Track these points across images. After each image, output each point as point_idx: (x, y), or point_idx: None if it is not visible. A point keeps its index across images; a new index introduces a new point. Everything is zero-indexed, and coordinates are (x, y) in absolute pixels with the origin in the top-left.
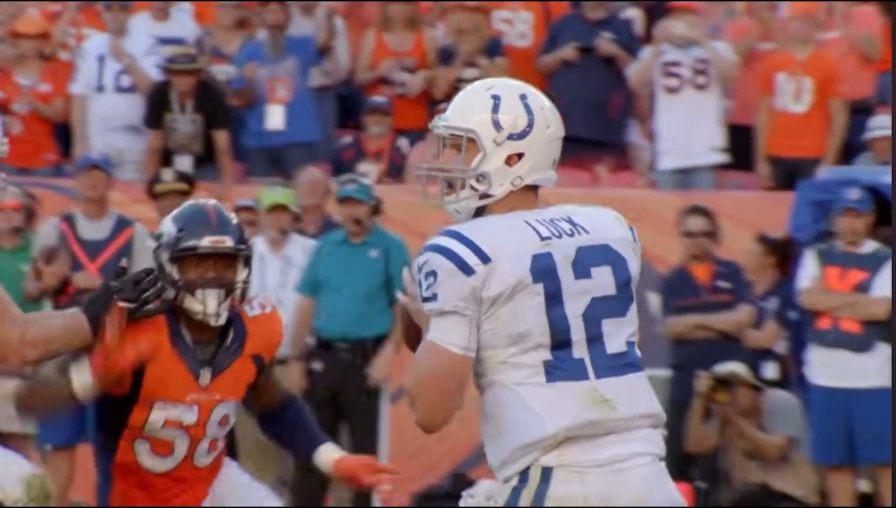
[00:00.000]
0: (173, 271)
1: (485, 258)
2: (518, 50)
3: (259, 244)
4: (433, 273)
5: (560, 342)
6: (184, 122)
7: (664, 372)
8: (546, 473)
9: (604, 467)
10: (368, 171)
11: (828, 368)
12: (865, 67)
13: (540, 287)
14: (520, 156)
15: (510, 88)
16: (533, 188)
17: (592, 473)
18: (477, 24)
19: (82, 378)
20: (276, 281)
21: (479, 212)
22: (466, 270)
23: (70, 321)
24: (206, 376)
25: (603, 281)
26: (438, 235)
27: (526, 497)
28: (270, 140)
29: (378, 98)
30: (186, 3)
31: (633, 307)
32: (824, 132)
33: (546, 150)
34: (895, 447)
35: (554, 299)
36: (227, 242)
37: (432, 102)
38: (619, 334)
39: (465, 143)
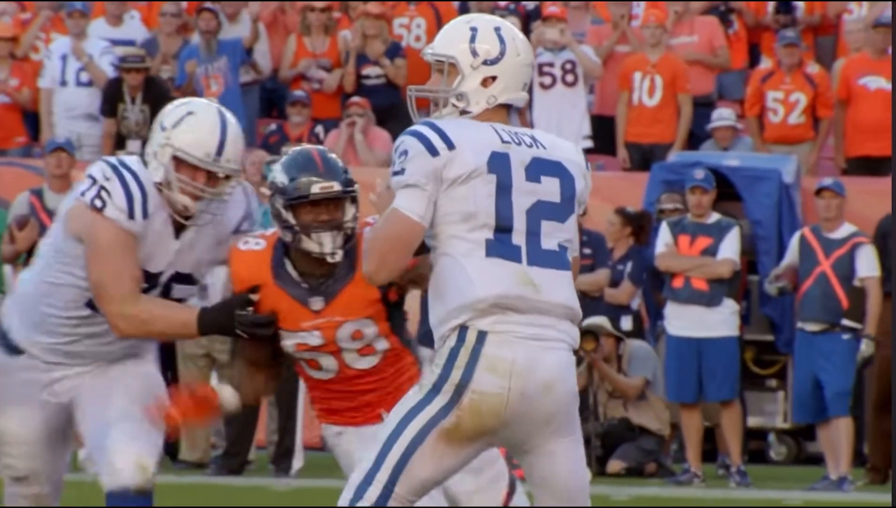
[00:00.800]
0: (289, 216)
1: (450, 145)
2: (415, 51)
3: None
4: (405, 152)
5: (502, 227)
6: (134, 112)
7: None
8: (481, 336)
9: (529, 341)
10: None
11: (681, 320)
12: (707, 68)
13: (493, 177)
14: (493, 79)
15: (487, 21)
16: (506, 107)
17: (520, 343)
18: (380, 30)
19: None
20: None
21: None
22: (433, 151)
23: (179, 314)
24: (317, 303)
25: (550, 189)
26: (417, 123)
27: (463, 355)
28: None
29: (299, 92)
30: (136, 11)
31: (573, 219)
32: (673, 122)
33: (517, 74)
34: None
35: (504, 190)
36: (335, 186)
37: (344, 96)
38: (555, 236)
39: (446, 67)
